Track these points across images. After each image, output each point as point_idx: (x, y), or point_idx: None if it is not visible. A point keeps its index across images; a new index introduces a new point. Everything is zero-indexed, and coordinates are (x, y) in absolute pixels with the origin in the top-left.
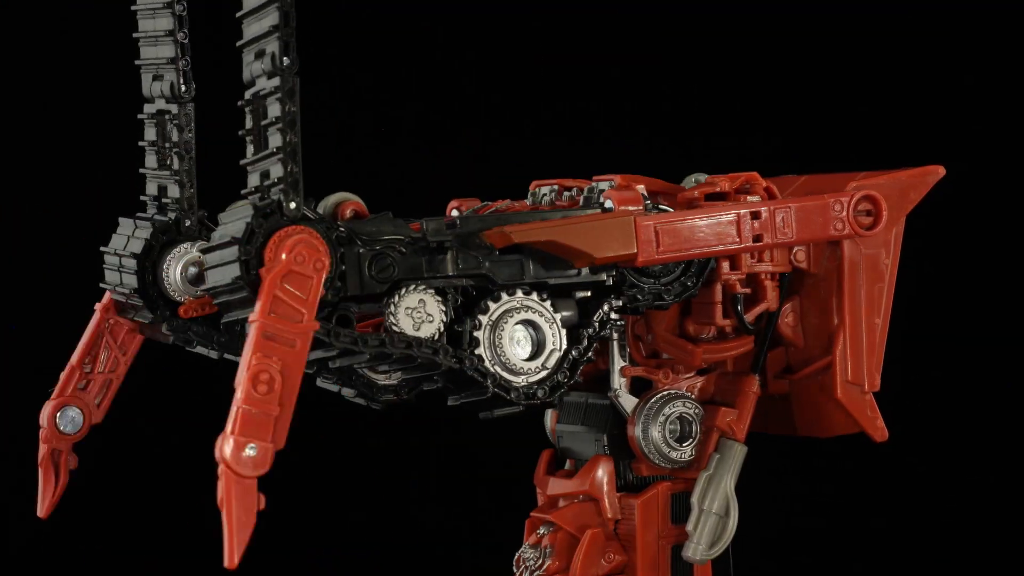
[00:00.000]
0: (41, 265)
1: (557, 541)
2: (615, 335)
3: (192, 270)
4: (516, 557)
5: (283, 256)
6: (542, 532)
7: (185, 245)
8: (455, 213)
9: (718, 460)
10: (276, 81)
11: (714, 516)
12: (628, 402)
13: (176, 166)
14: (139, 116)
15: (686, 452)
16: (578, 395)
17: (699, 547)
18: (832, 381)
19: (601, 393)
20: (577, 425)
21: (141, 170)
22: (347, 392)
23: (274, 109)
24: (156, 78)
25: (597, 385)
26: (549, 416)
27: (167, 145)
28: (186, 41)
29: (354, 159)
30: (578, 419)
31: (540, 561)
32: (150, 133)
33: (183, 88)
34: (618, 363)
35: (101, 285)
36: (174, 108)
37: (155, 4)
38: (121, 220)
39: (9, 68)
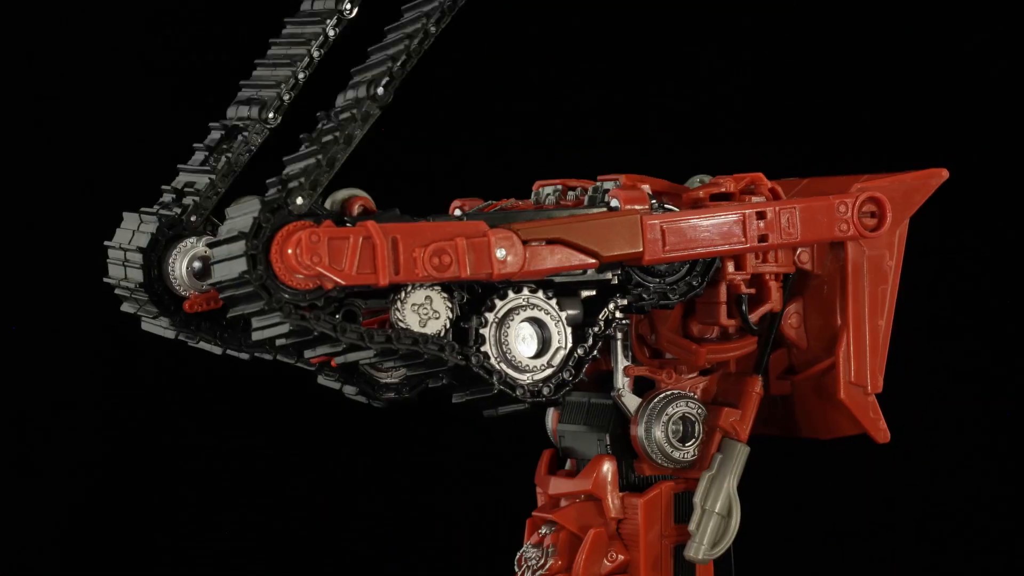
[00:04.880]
0: (42, 265)
1: (559, 541)
2: (619, 334)
3: (197, 264)
4: (518, 557)
5: (289, 252)
6: (544, 532)
7: (191, 240)
8: (457, 212)
9: (721, 460)
10: (361, 105)
11: (716, 516)
12: (631, 402)
13: (219, 167)
14: (213, 124)
15: (689, 452)
16: (581, 395)
17: (701, 547)
18: (835, 382)
19: (604, 393)
20: (579, 425)
21: (180, 165)
22: (348, 390)
23: (340, 118)
24: (249, 101)
25: (600, 385)
26: (550, 416)
27: (225, 146)
28: (302, 79)
29: (359, 156)
30: (580, 419)
31: (542, 560)
32: (213, 136)
33: (271, 115)
34: (621, 362)
35: (105, 280)
36: (253, 127)
37: (299, 39)
38: (125, 215)
39: (11, 64)
